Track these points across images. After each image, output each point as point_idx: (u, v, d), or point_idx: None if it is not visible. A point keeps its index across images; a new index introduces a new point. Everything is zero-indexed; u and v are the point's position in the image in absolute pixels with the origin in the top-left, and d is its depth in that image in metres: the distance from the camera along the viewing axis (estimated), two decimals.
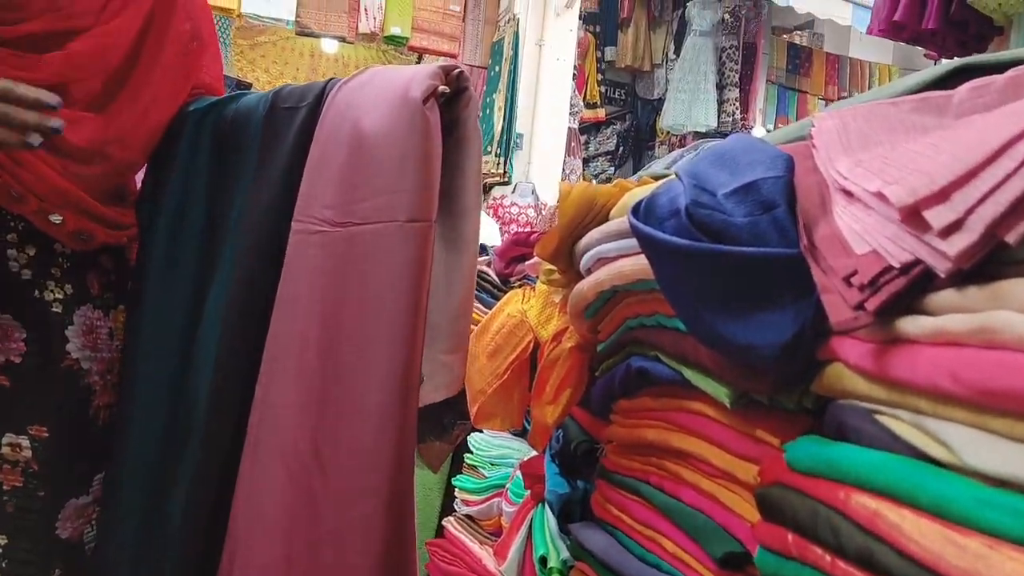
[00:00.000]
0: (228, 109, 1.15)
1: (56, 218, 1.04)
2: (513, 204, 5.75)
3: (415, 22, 6.04)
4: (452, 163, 1.06)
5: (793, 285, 0.61)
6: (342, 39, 6.11)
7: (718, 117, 7.65)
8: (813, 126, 0.69)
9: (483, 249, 1.83)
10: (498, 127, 5.90)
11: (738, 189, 0.66)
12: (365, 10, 5.94)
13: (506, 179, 5.88)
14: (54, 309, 1.07)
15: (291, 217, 1.04)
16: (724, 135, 7.93)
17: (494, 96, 6.04)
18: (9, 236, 1.04)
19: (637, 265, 0.75)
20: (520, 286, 1.39)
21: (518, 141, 5.93)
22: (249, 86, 8.26)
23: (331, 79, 1.14)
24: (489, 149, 5.97)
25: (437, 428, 1.72)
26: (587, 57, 8.22)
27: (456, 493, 1.65)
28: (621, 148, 9.37)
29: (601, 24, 8.48)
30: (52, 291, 1.07)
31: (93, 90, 1.07)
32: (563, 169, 6.25)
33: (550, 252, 0.92)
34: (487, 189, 6.23)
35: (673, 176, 0.73)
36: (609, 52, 8.61)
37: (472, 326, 1.57)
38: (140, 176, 1.20)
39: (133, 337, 1.13)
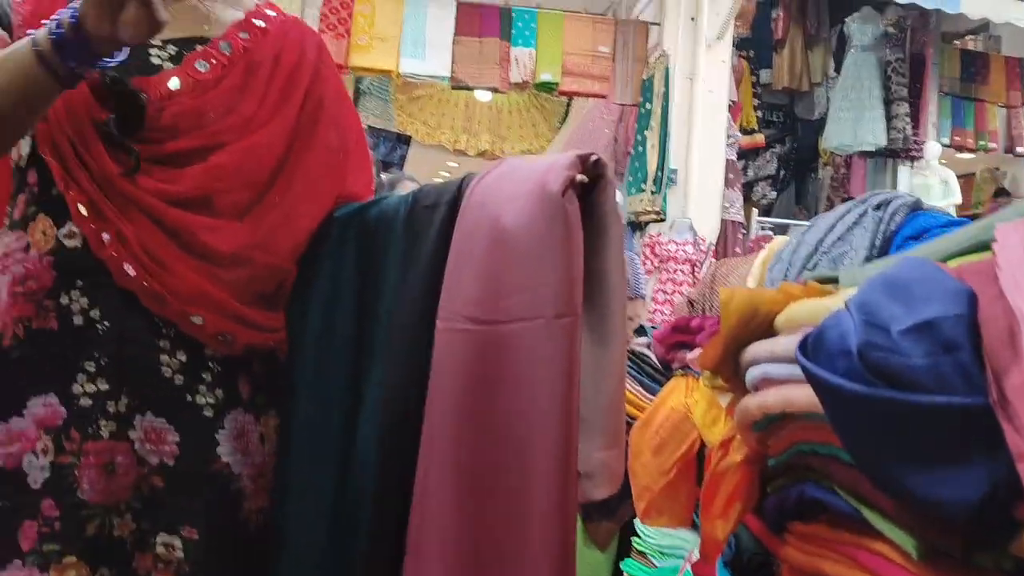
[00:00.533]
0: (371, 212, 1.18)
1: (197, 319, 1.08)
2: (670, 241, 5.67)
3: (564, 67, 6.13)
4: (593, 250, 1.04)
5: (983, 438, 0.56)
6: (495, 89, 6.27)
7: (887, 134, 7.26)
8: (995, 239, 0.64)
9: (642, 330, 1.81)
10: (651, 164, 5.86)
11: (915, 327, 0.62)
12: (516, 60, 6.08)
13: (661, 216, 5.81)
14: (205, 413, 1.12)
15: (435, 312, 1.04)
16: (894, 153, 7.53)
17: (646, 133, 6.00)
18: (162, 343, 1.09)
19: (807, 397, 0.72)
20: (683, 374, 1.36)
21: (672, 177, 5.86)
22: (409, 139, 8.64)
23: (467, 175, 1.14)
24: (643, 187, 5.93)
25: (603, 508, 1.71)
26: (741, 83, 8.03)
27: None
28: (783, 172, 9.06)
29: (754, 48, 8.27)
30: (203, 395, 1.12)
31: (238, 200, 1.12)
32: (722, 202, 6.11)
33: (712, 364, 0.90)
34: (642, 227, 6.19)
35: (842, 305, 0.69)
36: (764, 75, 8.38)
37: (635, 410, 1.56)
38: None
39: (286, 442, 1.16)
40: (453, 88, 6.29)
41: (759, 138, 8.36)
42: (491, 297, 1.00)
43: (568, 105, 8.48)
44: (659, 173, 5.78)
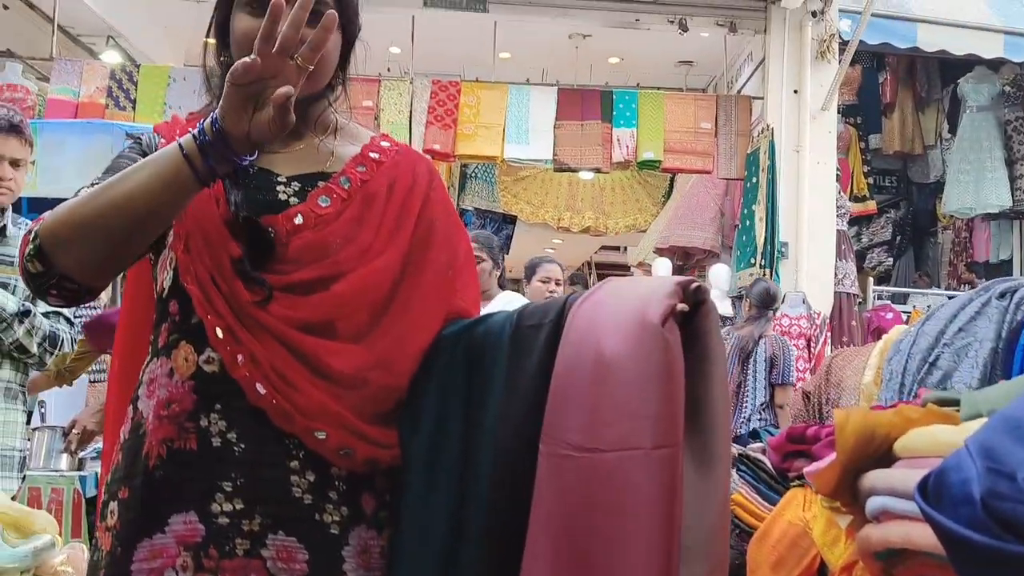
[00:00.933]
0: (479, 330, 1.20)
1: (321, 434, 1.12)
2: (784, 316, 5.54)
3: (667, 144, 6.17)
4: (695, 377, 1.04)
5: None
6: (597, 170, 6.36)
7: (1012, 195, 6.95)
8: None
9: (756, 435, 1.77)
10: (760, 238, 5.78)
11: None
12: (618, 140, 6.17)
13: None
14: (332, 531, 1.14)
15: (539, 437, 1.05)
16: (1020, 214, 7.18)
17: (753, 207, 5.94)
18: (292, 464, 1.13)
19: (929, 537, 0.70)
20: (800, 485, 1.33)
21: (783, 250, 5.76)
22: (514, 219, 8.80)
23: (570, 295, 1.17)
24: (752, 261, 5.85)
25: None
26: (850, 150, 7.89)
27: None
28: (899, 237, 8.77)
29: (862, 114, 8.13)
30: (330, 514, 1.15)
31: (358, 324, 1.17)
32: (835, 274, 5.95)
33: (830, 489, 0.88)
34: None
35: (962, 444, 0.68)
36: (874, 140, 8.21)
37: (751, 518, 1.52)
38: None
39: (397, 555, 1.17)
40: (556, 171, 6.42)
41: (871, 205, 8.14)
42: (592, 425, 1.01)
43: (672, 179, 8.50)
44: (768, 247, 5.69)
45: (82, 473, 3.25)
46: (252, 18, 1.15)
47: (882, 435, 0.86)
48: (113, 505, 1.15)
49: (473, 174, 8.67)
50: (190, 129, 1.08)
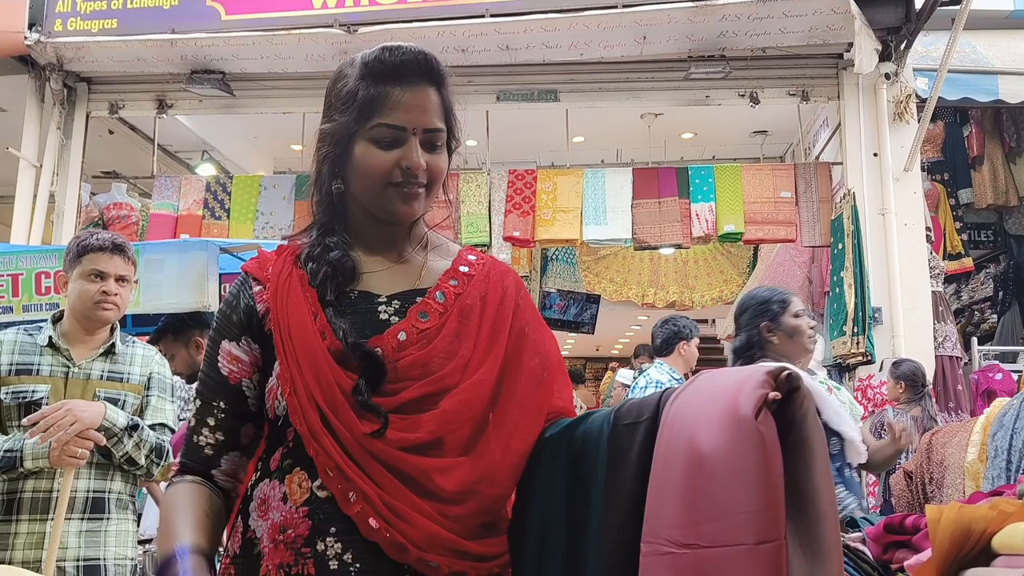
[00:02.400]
0: (578, 431, 1.23)
1: (434, 563, 1.15)
2: (883, 383, 5.34)
3: (747, 215, 6.13)
4: (796, 465, 1.02)
5: None
6: (678, 246, 6.35)
7: None
8: None
9: (854, 523, 1.72)
10: (850, 305, 5.64)
11: None
12: (696, 215, 6.17)
13: (868, 358, 5.52)
14: None
15: (640, 534, 1.06)
16: None
17: (842, 274, 5.82)
18: None
19: None
20: None
21: (876, 316, 5.60)
22: (598, 298, 8.82)
23: (665, 390, 1.18)
24: (844, 329, 5.69)
25: None
26: (939, 207, 7.67)
27: None
28: (1001, 293, 8.40)
29: (949, 169, 7.92)
30: None
31: (463, 437, 1.21)
32: (934, 337, 5.74)
33: None
34: (851, 369, 5.89)
35: None
36: (964, 195, 7.97)
37: None
38: None
39: None
40: (636, 249, 6.43)
41: (967, 262, 7.86)
42: (692, 521, 1.01)
43: (756, 249, 8.40)
44: (859, 313, 5.54)
45: None
46: (382, 151, 1.23)
47: (979, 531, 0.84)
48: None
49: (554, 256, 8.77)
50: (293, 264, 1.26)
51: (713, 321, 11.14)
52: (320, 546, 1.16)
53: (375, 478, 1.16)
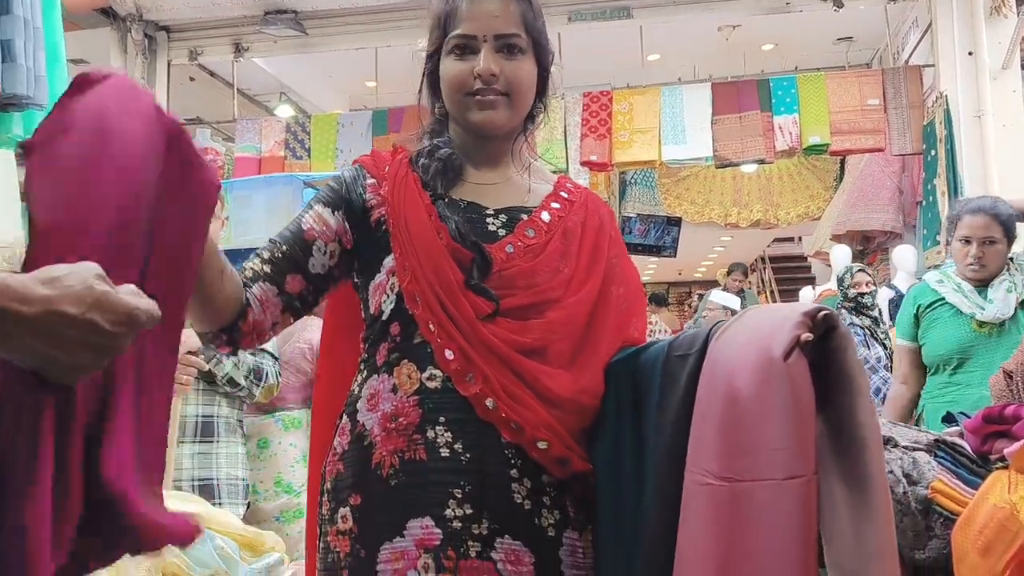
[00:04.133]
0: (641, 358, 1.30)
1: (543, 444, 1.23)
2: None
3: (833, 126, 5.92)
4: (838, 399, 1.06)
5: None
6: (761, 161, 6.20)
7: None
8: None
9: (951, 419, 1.68)
10: (944, 213, 5.42)
11: None
12: (780, 128, 5.99)
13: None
14: (549, 533, 1.24)
15: (684, 462, 1.13)
16: None
17: (935, 182, 5.60)
18: (512, 472, 1.24)
19: None
20: (1003, 467, 1.26)
21: None
22: (679, 220, 8.71)
23: (717, 323, 1.23)
24: (939, 239, 5.49)
25: None
26: None
27: None
28: None
29: None
30: (546, 518, 1.25)
31: (563, 352, 1.28)
32: None
33: None
34: None
35: None
36: None
37: (955, 505, 1.46)
38: None
39: (598, 559, 1.27)
40: (717, 167, 6.30)
41: None
42: (727, 456, 1.07)
43: (843, 161, 8.13)
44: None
45: None
46: (461, 62, 1.30)
47: None
48: (344, 511, 1.28)
49: (633, 180, 8.67)
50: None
51: (800, 239, 10.90)
52: (431, 433, 1.24)
53: (492, 367, 1.23)
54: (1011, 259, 2.92)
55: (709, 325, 1.25)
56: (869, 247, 7.23)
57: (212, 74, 7.30)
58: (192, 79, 7.34)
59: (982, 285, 2.90)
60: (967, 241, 2.88)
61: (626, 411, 1.27)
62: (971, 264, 2.87)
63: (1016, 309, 2.83)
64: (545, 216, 1.35)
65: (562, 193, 1.41)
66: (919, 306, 3.07)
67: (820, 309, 1.08)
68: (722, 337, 1.16)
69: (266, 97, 8.12)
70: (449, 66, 1.30)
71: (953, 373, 2.91)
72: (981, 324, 2.86)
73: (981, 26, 5.55)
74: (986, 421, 1.23)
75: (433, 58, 1.34)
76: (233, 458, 2.58)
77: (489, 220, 1.33)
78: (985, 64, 5.54)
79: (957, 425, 1.55)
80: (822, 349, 1.07)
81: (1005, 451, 1.17)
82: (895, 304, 5.25)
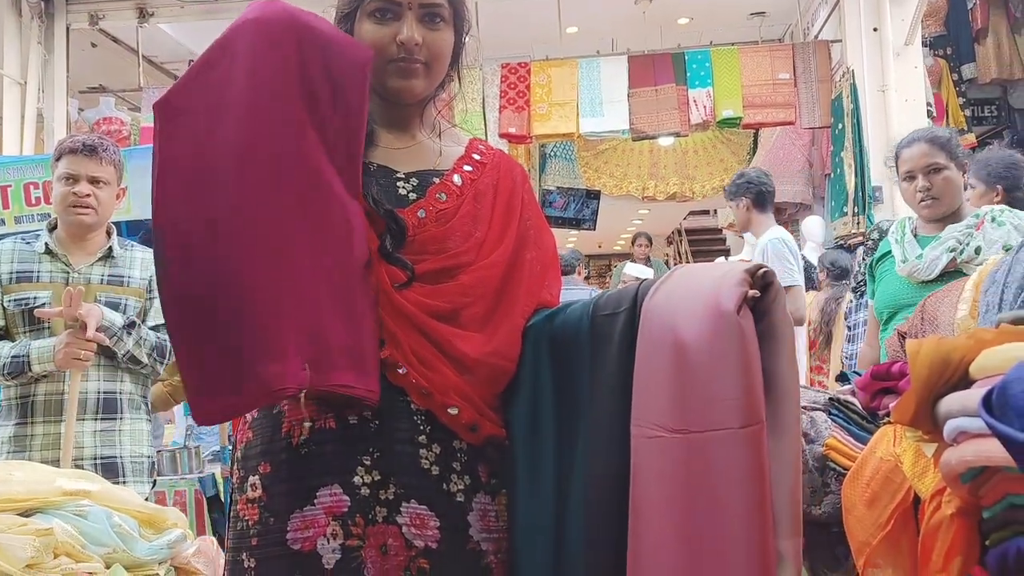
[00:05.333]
0: (557, 319, 1.30)
1: (454, 410, 1.23)
2: None
3: (745, 99, 6.04)
4: (766, 351, 1.10)
5: None
6: (676, 134, 6.28)
7: None
8: None
9: (844, 377, 1.74)
10: (850, 185, 5.61)
11: None
12: (694, 102, 6.07)
13: (867, 237, 5.51)
14: (458, 499, 1.25)
15: (628, 419, 1.13)
16: None
17: (842, 154, 5.77)
18: (420, 438, 1.24)
19: (1003, 451, 0.70)
20: (890, 422, 1.31)
21: (876, 195, 5.57)
22: (598, 193, 8.78)
23: (642, 282, 1.25)
24: (845, 209, 5.68)
25: (831, 560, 1.65)
26: (942, 83, 7.52)
27: None
28: None
29: (952, 44, 7.73)
30: (455, 483, 1.25)
31: (476, 315, 1.28)
32: None
33: (907, 418, 0.88)
34: (851, 250, 5.89)
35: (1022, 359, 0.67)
36: (968, 70, 7.78)
37: (846, 460, 1.51)
38: None
39: (513, 522, 1.27)
40: (634, 140, 6.36)
41: (970, 138, 7.72)
42: (679, 409, 1.08)
43: (756, 134, 8.30)
44: (859, 193, 5.51)
45: (201, 474, 3.47)
46: (379, 26, 1.27)
47: (957, 360, 0.86)
48: (254, 479, 1.26)
49: (553, 153, 8.68)
50: None
51: (715, 211, 11.12)
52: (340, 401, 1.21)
53: (404, 332, 1.22)
54: (994, 216, 2.49)
55: (631, 285, 1.25)
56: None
57: (116, 40, 6.99)
58: (94, 45, 7.02)
59: (935, 233, 2.53)
60: (911, 177, 2.54)
61: (544, 373, 1.28)
62: (922, 200, 2.52)
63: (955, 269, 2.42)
64: (456, 179, 1.34)
65: (474, 155, 1.40)
66: (873, 260, 2.80)
67: (759, 266, 1.11)
68: (656, 294, 1.17)
69: (175, 65, 7.81)
70: (369, 30, 1.28)
71: (885, 328, 2.64)
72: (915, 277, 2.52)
73: (885, 3, 5.72)
74: (875, 378, 1.28)
75: (349, 19, 1.30)
76: (138, 435, 2.50)
77: (400, 184, 1.32)
78: (889, 40, 5.71)
79: (849, 383, 1.61)
80: (755, 302, 1.11)
81: (891, 406, 1.21)
82: (808, 272, 5.42)
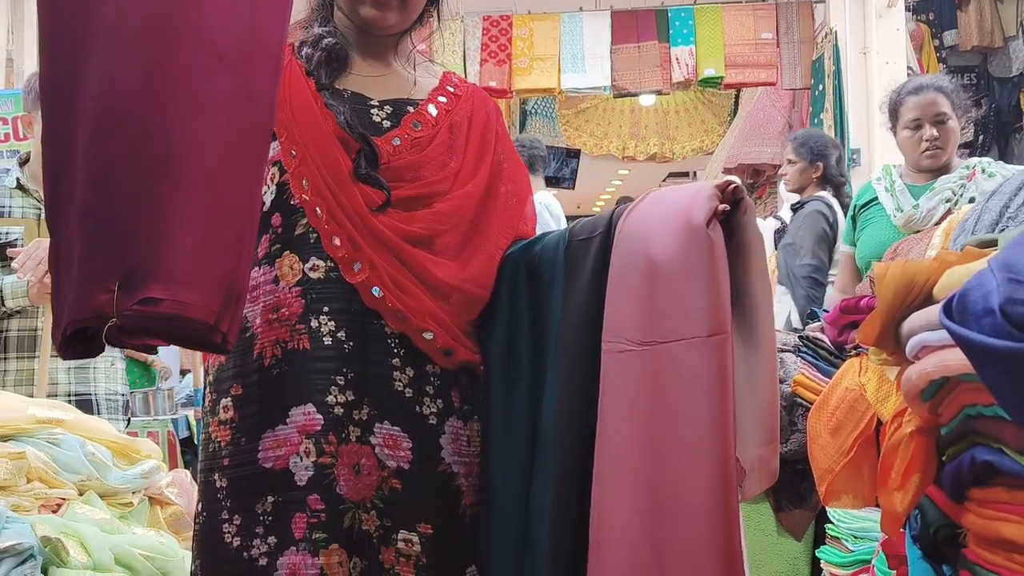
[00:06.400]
0: (535, 248, 1.33)
1: (429, 335, 1.25)
2: None
3: (727, 59, 6.00)
4: (738, 265, 1.13)
5: None
6: (658, 92, 6.25)
7: None
8: None
9: (814, 315, 1.77)
10: None
11: None
12: (676, 59, 6.04)
13: (847, 199, 5.55)
14: (430, 421, 1.28)
15: (599, 336, 1.16)
16: None
17: (822, 116, 5.78)
18: (394, 360, 1.26)
19: (963, 359, 0.72)
20: (856, 354, 1.34)
21: (854, 158, 5.59)
22: (578, 152, 8.74)
23: (617, 207, 1.27)
24: None
25: (795, 496, 1.70)
26: (923, 49, 7.54)
27: (822, 565, 1.60)
28: (982, 136, 8.39)
29: (934, 10, 7.74)
30: (428, 406, 1.28)
31: (451, 244, 1.30)
32: None
33: (872, 339, 0.90)
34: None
35: (984, 266, 0.69)
36: (949, 37, 7.81)
37: (813, 395, 1.54)
38: None
39: (487, 447, 1.30)
40: (616, 97, 6.33)
41: None
42: (649, 321, 1.12)
43: (737, 96, 8.28)
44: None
45: (174, 416, 3.48)
46: None
47: (921, 282, 0.88)
48: (226, 401, 1.27)
49: (533, 110, 8.62)
50: None
51: (694, 174, 11.12)
52: (314, 323, 1.23)
53: (380, 255, 1.24)
54: (984, 167, 2.50)
55: (607, 210, 1.28)
56: (759, 180, 7.44)
57: None
58: None
59: (923, 182, 2.55)
60: (917, 126, 2.50)
61: (522, 299, 1.30)
62: (927, 150, 2.49)
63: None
64: (432, 110, 1.35)
65: (448, 87, 1.41)
66: (856, 206, 2.79)
67: (729, 182, 1.14)
68: (630, 216, 1.20)
69: None
70: None
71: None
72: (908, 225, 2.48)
73: None
74: (844, 312, 1.30)
75: None
76: (113, 373, 2.50)
77: (374, 111, 1.32)
78: (872, 3, 5.69)
79: (819, 320, 1.64)
80: (726, 218, 1.13)
81: (855, 334, 1.24)
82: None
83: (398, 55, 1.40)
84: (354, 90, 1.32)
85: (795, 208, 3.64)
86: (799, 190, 3.65)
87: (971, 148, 8.32)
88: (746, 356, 1.12)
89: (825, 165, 3.57)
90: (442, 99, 1.38)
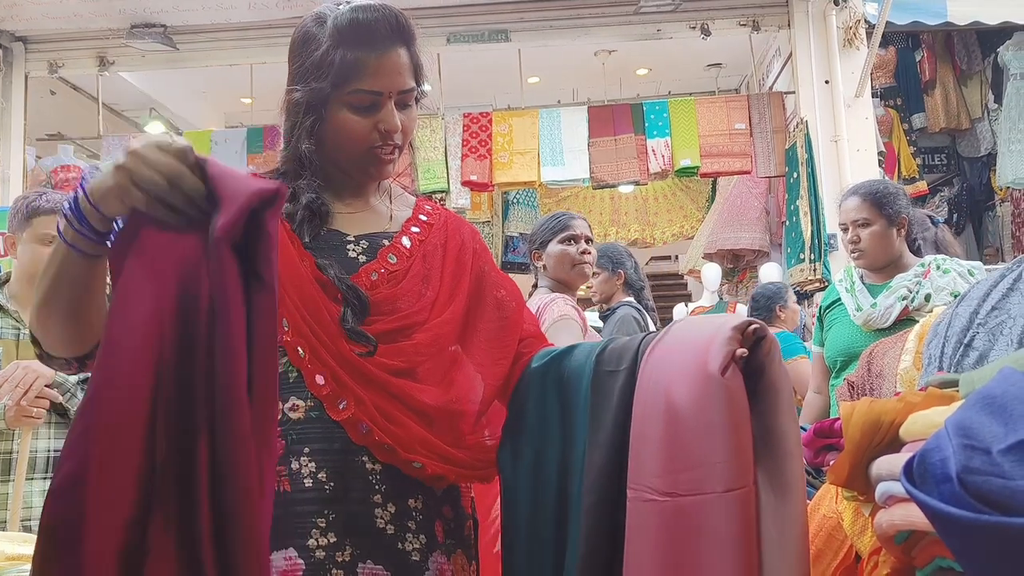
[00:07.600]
0: (564, 366, 1.31)
1: (418, 464, 1.24)
2: None
3: (702, 149, 6.15)
4: (765, 408, 1.10)
5: None
6: (636, 183, 6.37)
7: None
8: None
9: None
10: (807, 232, 5.72)
11: (1015, 445, 0.62)
12: (653, 151, 6.18)
13: (824, 284, 5.62)
14: (413, 558, 1.25)
15: (624, 479, 1.13)
16: None
17: (797, 203, 5.89)
18: (375, 498, 1.23)
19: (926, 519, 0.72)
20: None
21: (831, 242, 5.68)
22: None
23: (643, 338, 1.24)
24: (801, 256, 5.78)
25: None
26: (893, 133, 7.75)
27: None
28: (955, 215, 8.55)
29: (902, 94, 7.98)
30: (411, 542, 1.25)
31: (432, 371, 1.30)
32: None
33: (843, 480, 0.90)
34: (808, 296, 6.00)
35: (941, 427, 0.70)
36: (918, 120, 8.04)
37: None
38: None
39: (510, 555, 1.28)
40: (595, 188, 6.44)
41: (921, 186, 7.96)
42: (669, 471, 1.08)
43: (714, 182, 8.45)
44: (815, 240, 5.63)
45: None
46: (360, 117, 1.29)
47: (887, 423, 0.88)
48: None
49: (515, 200, 8.74)
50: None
51: (676, 257, 11.24)
52: (295, 465, 1.22)
53: (367, 390, 1.23)
54: (939, 264, 2.59)
55: (635, 339, 1.26)
56: (739, 265, 7.53)
57: (75, 88, 6.97)
58: (53, 93, 6.99)
59: (881, 282, 2.65)
60: (844, 229, 2.69)
61: (552, 418, 1.29)
62: (852, 252, 2.67)
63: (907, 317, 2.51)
64: (406, 241, 1.37)
65: (421, 216, 1.43)
66: (822, 307, 2.87)
67: (750, 322, 1.11)
68: (654, 352, 1.17)
69: (135, 112, 7.81)
70: (350, 120, 1.29)
71: (837, 376, 2.69)
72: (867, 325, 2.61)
73: (836, 57, 5.91)
74: (817, 435, 1.29)
75: (314, 110, 1.29)
76: None
77: (350, 247, 1.33)
78: (840, 92, 5.89)
79: None
80: (750, 358, 1.10)
81: (833, 464, 1.23)
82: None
83: (379, 189, 1.43)
84: (331, 227, 1.34)
85: (604, 316, 3.88)
86: (607, 298, 3.90)
87: (948, 224, 8.49)
88: (776, 506, 1.07)
89: (625, 272, 3.87)
90: (415, 229, 1.40)
